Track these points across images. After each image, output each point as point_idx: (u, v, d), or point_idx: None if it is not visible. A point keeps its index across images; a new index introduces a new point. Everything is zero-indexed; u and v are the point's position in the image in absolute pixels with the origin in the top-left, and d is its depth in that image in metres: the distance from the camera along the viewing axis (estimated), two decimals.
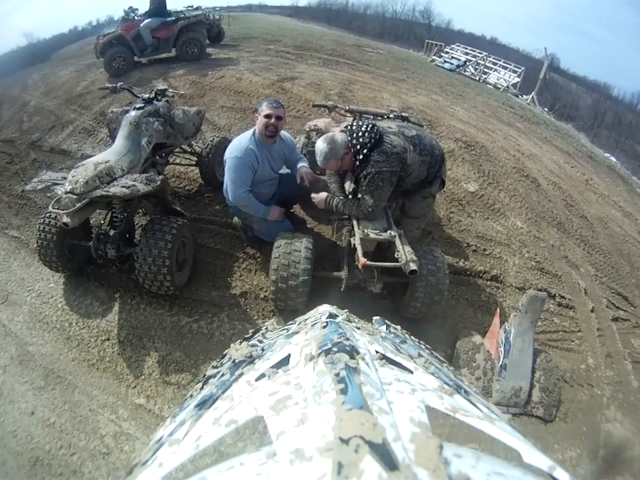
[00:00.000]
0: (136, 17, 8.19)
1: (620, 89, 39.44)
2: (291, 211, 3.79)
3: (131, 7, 8.37)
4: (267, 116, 2.94)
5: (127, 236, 3.21)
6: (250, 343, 1.12)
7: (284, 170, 3.38)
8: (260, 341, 1.16)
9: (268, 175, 3.18)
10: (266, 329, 1.39)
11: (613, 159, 11.75)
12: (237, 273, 3.47)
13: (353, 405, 0.53)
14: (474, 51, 15.08)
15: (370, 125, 2.69)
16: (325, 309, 1.34)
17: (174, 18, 8.25)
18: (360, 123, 2.75)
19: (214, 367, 1.07)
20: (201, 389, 0.94)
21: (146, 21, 8.02)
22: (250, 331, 1.34)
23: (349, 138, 2.70)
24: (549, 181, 6.00)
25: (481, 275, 3.83)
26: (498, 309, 3.32)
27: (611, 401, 3.15)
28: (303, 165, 3.29)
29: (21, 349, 2.99)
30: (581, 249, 4.75)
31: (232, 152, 3.00)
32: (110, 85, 3.84)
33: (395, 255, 2.57)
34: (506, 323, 2.96)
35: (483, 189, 5.07)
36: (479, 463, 0.46)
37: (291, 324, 1.32)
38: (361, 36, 21.08)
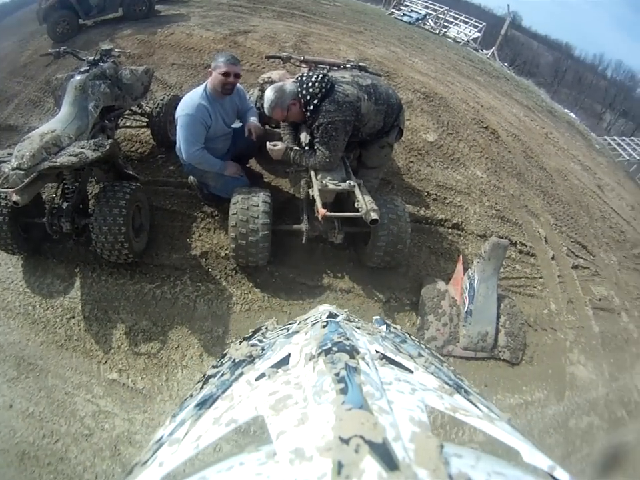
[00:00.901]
0: None
1: (582, 49, 40.64)
2: (247, 165, 3.69)
3: None
4: (225, 74, 2.81)
5: (81, 207, 3.10)
6: (250, 342, 1.13)
7: (237, 124, 3.27)
8: (260, 341, 1.17)
9: (221, 130, 3.08)
10: (266, 328, 1.39)
11: (572, 115, 11.97)
12: (196, 234, 3.42)
13: (353, 405, 0.54)
14: (434, 5, 14.80)
15: (320, 75, 2.63)
16: (325, 308, 1.33)
17: None
18: (310, 73, 2.68)
19: (214, 367, 1.08)
20: (201, 388, 0.94)
21: None
22: (250, 330, 1.36)
23: (299, 88, 2.64)
24: (509, 133, 6.05)
25: (442, 223, 3.88)
26: (460, 256, 3.38)
27: (574, 344, 3.31)
28: (252, 118, 3.19)
29: None
30: (540, 199, 4.86)
31: (183, 109, 2.88)
32: (53, 50, 3.62)
33: (355, 205, 2.56)
34: (469, 269, 3.02)
35: (442, 139, 5.07)
36: (478, 463, 0.47)
37: (291, 323, 1.33)
38: None
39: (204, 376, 1.04)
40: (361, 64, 3.61)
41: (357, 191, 2.61)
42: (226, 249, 3.21)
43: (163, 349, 2.79)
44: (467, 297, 2.96)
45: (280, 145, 2.90)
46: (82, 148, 2.68)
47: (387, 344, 0.99)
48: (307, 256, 3.28)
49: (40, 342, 2.87)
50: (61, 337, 2.88)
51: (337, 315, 1.15)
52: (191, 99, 2.89)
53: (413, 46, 9.55)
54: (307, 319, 1.25)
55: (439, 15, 13.94)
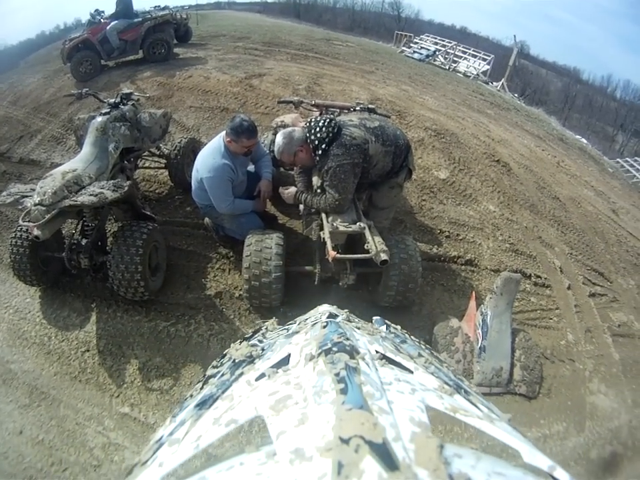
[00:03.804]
0: (102, 20, 8.01)
1: (590, 72, 40.41)
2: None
3: (97, 10, 8.18)
4: (247, 146, 2.98)
5: (99, 244, 3.17)
6: (250, 342, 1.13)
7: (250, 167, 3.39)
8: (260, 341, 1.17)
9: (241, 178, 3.20)
10: (266, 328, 1.40)
11: (584, 140, 11.97)
12: (211, 274, 3.47)
13: (353, 405, 0.53)
14: (443, 41, 15.16)
15: (327, 120, 2.68)
16: (325, 308, 1.34)
17: (140, 19, 8.11)
18: (318, 119, 2.73)
19: (214, 367, 1.08)
20: (201, 388, 0.94)
21: (112, 23, 7.87)
22: (250, 330, 1.36)
23: (307, 134, 2.70)
24: (520, 165, 6.07)
25: (455, 260, 3.87)
26: (474, 292, 3.35)
27: (594, 374, 3.22)
28: (265, 172, 3.33)
29: (2, 368, 2.94)
30: (554, 229, 4.83)
31: (209, 170, 2.98)
32: (75, 92, 3.77)
33: (365, 247, 2.58)
34: (482, 305, 3.00)
35: (454, 176, 5.10)
36: (479, 463, 0.47)
37: (291, 324, 1.33)
38: (330, 30, 21.04)
39: (204, 376, 1.04)
40: (370, 106, 3.68)
41: (367, 233, 2.63)
42: (240, 290, 3.25)
43: (176, 385, 2.79)
44: (480, 333, 2.93)
45: (291, 189, 2.98)
46: (102, 188, 2.76)
47: (387, 344, 1.00)
48: (320, 297, 3.23)
49: (54, 372, 2.90)
50: (74, 369, 2.91)
51: (337, 315, 1.16)
52: (214, 160, 2.99)
53: (424, 83, 9.70)
54: (306, 319, 1.25)
55: (448, 51, 14.24)
